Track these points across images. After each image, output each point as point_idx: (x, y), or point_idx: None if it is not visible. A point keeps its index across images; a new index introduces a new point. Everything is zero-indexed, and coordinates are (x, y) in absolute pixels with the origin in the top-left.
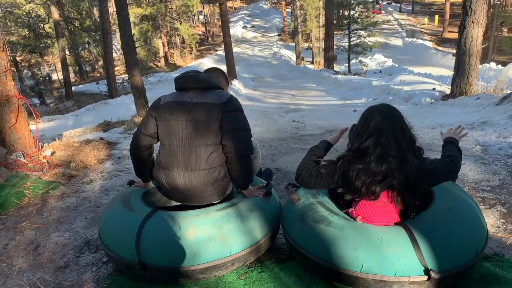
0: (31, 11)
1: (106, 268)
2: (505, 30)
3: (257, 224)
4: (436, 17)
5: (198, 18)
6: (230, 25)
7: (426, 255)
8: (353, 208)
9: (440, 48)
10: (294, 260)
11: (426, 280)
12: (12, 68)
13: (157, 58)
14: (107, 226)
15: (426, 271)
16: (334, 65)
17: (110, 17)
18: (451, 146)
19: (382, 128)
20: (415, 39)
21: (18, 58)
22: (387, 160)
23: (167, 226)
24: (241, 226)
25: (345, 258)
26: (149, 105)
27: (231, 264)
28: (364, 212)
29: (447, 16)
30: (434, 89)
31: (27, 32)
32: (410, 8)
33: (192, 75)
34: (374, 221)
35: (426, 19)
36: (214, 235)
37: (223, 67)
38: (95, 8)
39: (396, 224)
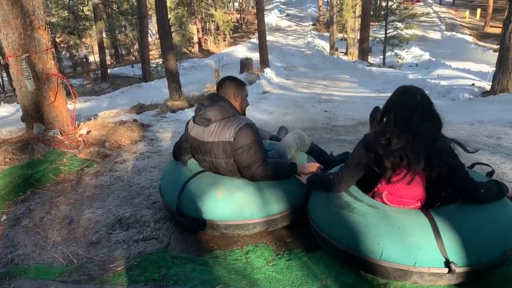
0: None
1: (136, 246)
2: None
3: (281, 198)
4: (478, 10)
5: (233, 5)
6: (265, 13)
7: (449, 248)
8: (380, 185)
9: (480, 43)
10: (323, 250)
11: (447, 273)
12: (52, 48)
13: (191, 44)
14: (165, 175)
15: (447, 264)
16: (369, 57)
17: (147, 1)
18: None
19: (409, 105)
20: (454, 33)
21: (57, 39)
22: (411, 137)
23: (205, 184)
24: (266, 196)
25: (365, 245)
26: (182, 90)
27: (253, 227)
28: (390, 187)
29: (490, 10)
30: (473, 84)
31: (66, 14)
32: (451, 0)
33: (203, 112)
34: (401, 195)
35: (467, 12)
36: (240, 198)
37: (256, 55)
38: None
39: (421, 211)
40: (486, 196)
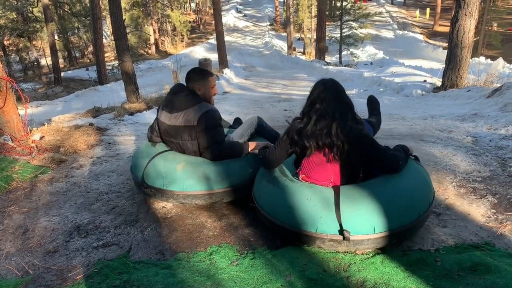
0: None
1: (96, 253)
2: (495, 24)
3: (234, 173)
4: (428, 10)
5: (190, 6)
6: (222, 13)
7: (345, 218)
8: (299, 168)
9: (430, 41)
10: (287, 246)
11: (343, 239)
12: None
13: (148, 45)
14: (136, 154)
15: (341, 231)
16: (326, 56)
17: (101, 2)
18: (400, 149)
19: (323, 96)
20: (406, 32)
21: (6, 42)
22: (323, 121)
23: (168, 160)
24: (222, 171)
25: (280, 214)
26: (140, 92)
27: (209, 197)
28: (306, 170)
29: (438, 10)
30: (425, 81)
31: (15, 16)
32: (402, 0)
33: (171, 101)
34: (313, 177)
35: (417, 12)
36: (196, 172)
37: (215, 56)
38: None
39: (331, 187)
40: (400, 164)
